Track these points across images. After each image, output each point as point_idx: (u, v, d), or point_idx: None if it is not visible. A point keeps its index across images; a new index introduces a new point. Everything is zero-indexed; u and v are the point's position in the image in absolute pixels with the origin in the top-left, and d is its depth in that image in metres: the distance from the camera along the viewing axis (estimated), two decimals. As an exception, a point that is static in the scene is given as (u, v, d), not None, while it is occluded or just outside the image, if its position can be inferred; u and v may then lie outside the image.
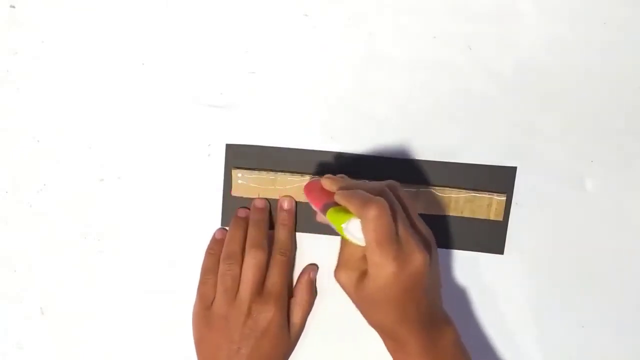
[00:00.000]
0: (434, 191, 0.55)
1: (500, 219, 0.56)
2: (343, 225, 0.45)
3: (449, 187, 0.56)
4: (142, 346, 0.59)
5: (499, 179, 0.56)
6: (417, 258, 0.46)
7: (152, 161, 0.57)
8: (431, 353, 0.48)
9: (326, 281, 0.58)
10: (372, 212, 0.44)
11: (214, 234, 0.57)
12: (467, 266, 0.57)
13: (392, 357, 0.50)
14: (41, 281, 0.59)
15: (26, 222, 0.58)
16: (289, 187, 0.56)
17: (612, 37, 0.55)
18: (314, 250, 0.57)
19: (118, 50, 0.56)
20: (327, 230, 0.57)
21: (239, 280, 0.54)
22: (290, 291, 0.56)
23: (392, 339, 0.49)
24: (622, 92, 0.56)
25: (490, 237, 0.56)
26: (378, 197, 0.45)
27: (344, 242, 0.48)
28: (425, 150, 0.56)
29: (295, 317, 0.56)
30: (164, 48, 0.56)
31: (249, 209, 0.57)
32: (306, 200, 0.56)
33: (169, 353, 0.59)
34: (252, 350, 0.52)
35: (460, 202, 0.55)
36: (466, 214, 0.56)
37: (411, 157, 0.56)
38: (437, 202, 0.56)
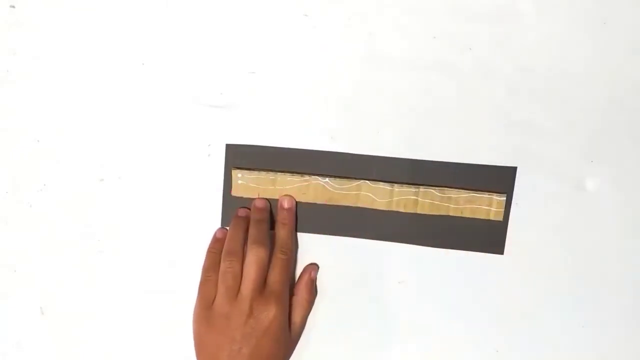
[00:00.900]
0: (434, 191, 0.55)
1: (500, 219, 0.56)
2: None
3: (449, 187, 0.56)
4: (142, 346, 0.59)
5: (499, 179, 0.56)
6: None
7: (152, 161, 0.57)
8: None
9: (326, 281, 0.58)
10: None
11: (215, 233, 0.57)
12: (466, 266, 0.57)
13: None
14: (41, 281, 0.59)
15: (26, 222, 0.58)
16: (289, 187, 0.56)
17: (612, 37, 0.55)
18: (314, 250, 0.57)
19: (118, 50, 0.56)
20: (328, 230, 0.57)
21: (240, 278, 0.53)
22: (291, 290, 0.56)
23: None
24: (622, 92, 0.56)
25: (490, 237, 0.56)
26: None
27: None
28: (425, 150, 0.56)
29: (296, 317, 0.56)
30: (164, 48, 0.56)
31: (249, 209, 0.57)
32: (306, 200, 0.56)
33: (169, 353, 0.59)
34: (253, 350, 0.52)
35: (460, 202, 0.55)
36: (466, 215, 0.56)
37: (411, 157, 0.56)
38: (437, 202, 0.56)
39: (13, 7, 0.56)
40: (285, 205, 0.56)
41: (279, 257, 0.55)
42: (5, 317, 0.59)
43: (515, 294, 0.57)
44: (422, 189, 0.55)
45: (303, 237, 0.58)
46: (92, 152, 0.57)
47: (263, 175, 0.56)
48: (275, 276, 0.54)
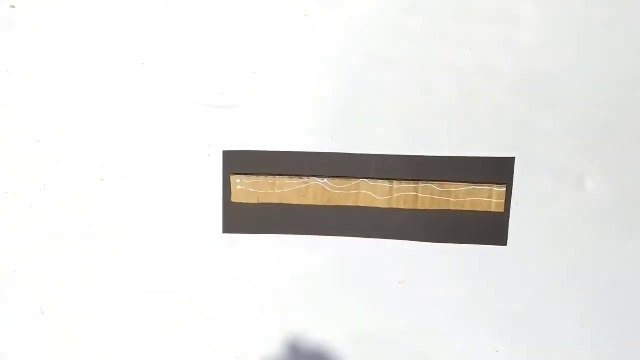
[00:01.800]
0: (434, 186, 0.56)
1: (502, 210, 0.56)
2: None
3: (448, 182, 0.56)
4: (142, 346, 0.59)
5: (498, 171, 0.56)
6: None
7: (152, 161, 0.57)
8: None
9: (326, 281, 0.58)
10: None
11: None
12: (467, 266, 0.57)
13: None
14: (41, 281, 0.59)
15: (26, 222, 0.58)
16: (288, 190, 0.56)
17: (612, 37, 0.55)
18: (314, 250, 0.57)
19: (118, 50, 0.56)
20: (328, 230, 0.57)
21: None
22: None
23: None
24: (622, 92, 0.56)
25: (492, 229, 0.56)
26: None
27: None
28: (425, 149, 0.56)
29: None
30: (164, 48, 0.56)
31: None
32: (306, 203, 0.56)
33: (169, 353, 0.59)
34: None
35: (460, 196, 0.56)
36: (467, 208, 0.56)
37: (409, 154, 0.56)
38: (437, 197, 0.56)
39: (13, 7, 0.56)
40: None
41: None
42: (5, 317, 0.59)
43: (515, 294, 0.57)
44: (421, 184, 0.56)
45: (303, 239, 0.58)
46: (92, 152, 0.57)
47: (262, 179, 0.56)
48: None
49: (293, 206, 0.57)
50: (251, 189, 0.56)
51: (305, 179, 0.56)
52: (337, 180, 0.56)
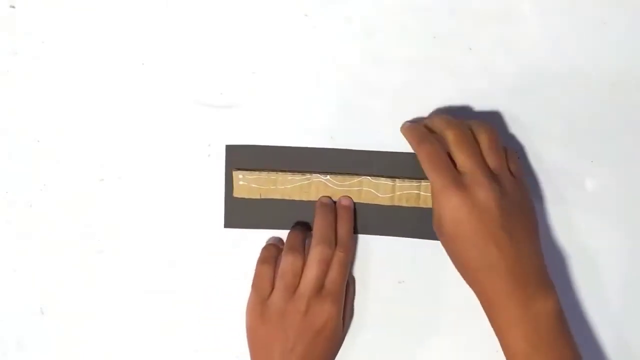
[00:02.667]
0: None
1: None
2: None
3: None
4: (142, 346, 0.59)
5: None
6: (481, 190, 0.46)
7: (152, 161, 0.57)
8: (522, 316, 0.46)
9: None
10: (425, 146, 0.49)
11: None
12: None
13: (490, 322, 0.48)
14: (41, 281, 0.59)
15: (26, 222, 0.58)
16: (290, 186, 0.56)
17: (612, 37, 0.55)
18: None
19: (118, 50, 0.56)
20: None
21: (300, 276, 0.53)
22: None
23: (480, 293, 0.48)
24: (622, 92, 0.56)
25: None
26: (433, 136, 0.50)
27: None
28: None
29: (346, 317, 0.55)
30: (164, 48, 0.56)
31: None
32: (309, 199, 0.56)
33: (169, 353, 0.59)
34: (306, 349, 0.51)
35: None
36: None
37: (411, 151, 0.56)
38: None
39: (13, 7, 0.56)
40: (344, 203, 0.56)
41: (338, 256, 0.53)
42: (5, 317, 0.59)
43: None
44: (423, 182, 0.55)
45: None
46: (92, 152, 0.57)
47: (264, 175, 0.56)
48: (334, 275, 0.53)
49: (295, 202, 0.56)
50: (253, 185, 0.56)
51: (308, 175, 0.56)
52: (339, 176, 0.56)
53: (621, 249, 0.57)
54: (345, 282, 0.55)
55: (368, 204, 0.56)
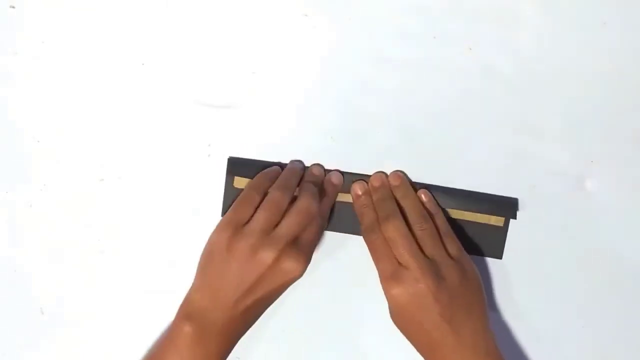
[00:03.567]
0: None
1: (501, 224, 0.56)
2: None
3: (451, 209, 0.56)
4: (142, 346, 0.59)
5: (501, 207, 0.56)
6: (417, 282, 0.49)
7: (152, 161, 0.57)
8: None
9: (326, 280, 0.58)
10: (370, 236, 0.53)
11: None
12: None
13: None
14: (41, 281, 0.59)
15: (26, 222, 0.58)
16: None
17: (612, 37, 0.55)
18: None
19: (118, 50, 0.56)
20: (329, 227, 0.57)
21: (282, 216, 0.51)
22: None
23: None
24: (622, 92, 0.56)
25: (490, 241, 0.56)
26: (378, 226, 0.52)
27: None
28: (425, 149, 0.56)
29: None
30: (164, 48, 0.56)
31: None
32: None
33: (169, 353, 0.59)
34: (261, 299, 0.51)
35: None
36: (467, 218, 0.56)
37: (409, 160, 0.56)
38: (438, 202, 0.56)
39: (13, 7, 0.56)
40: (334, 181, 0.56)
41: (317, 220, 0.53)
42: (5, 317, 0.59)
43: (516, 293, 0.57)
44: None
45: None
46: (92, 152, 0.57)
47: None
48: (310, 235, 0.52)
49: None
50: None
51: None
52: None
53: (621, 249, 0.57)
54: (315, 248, 0.54)
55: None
